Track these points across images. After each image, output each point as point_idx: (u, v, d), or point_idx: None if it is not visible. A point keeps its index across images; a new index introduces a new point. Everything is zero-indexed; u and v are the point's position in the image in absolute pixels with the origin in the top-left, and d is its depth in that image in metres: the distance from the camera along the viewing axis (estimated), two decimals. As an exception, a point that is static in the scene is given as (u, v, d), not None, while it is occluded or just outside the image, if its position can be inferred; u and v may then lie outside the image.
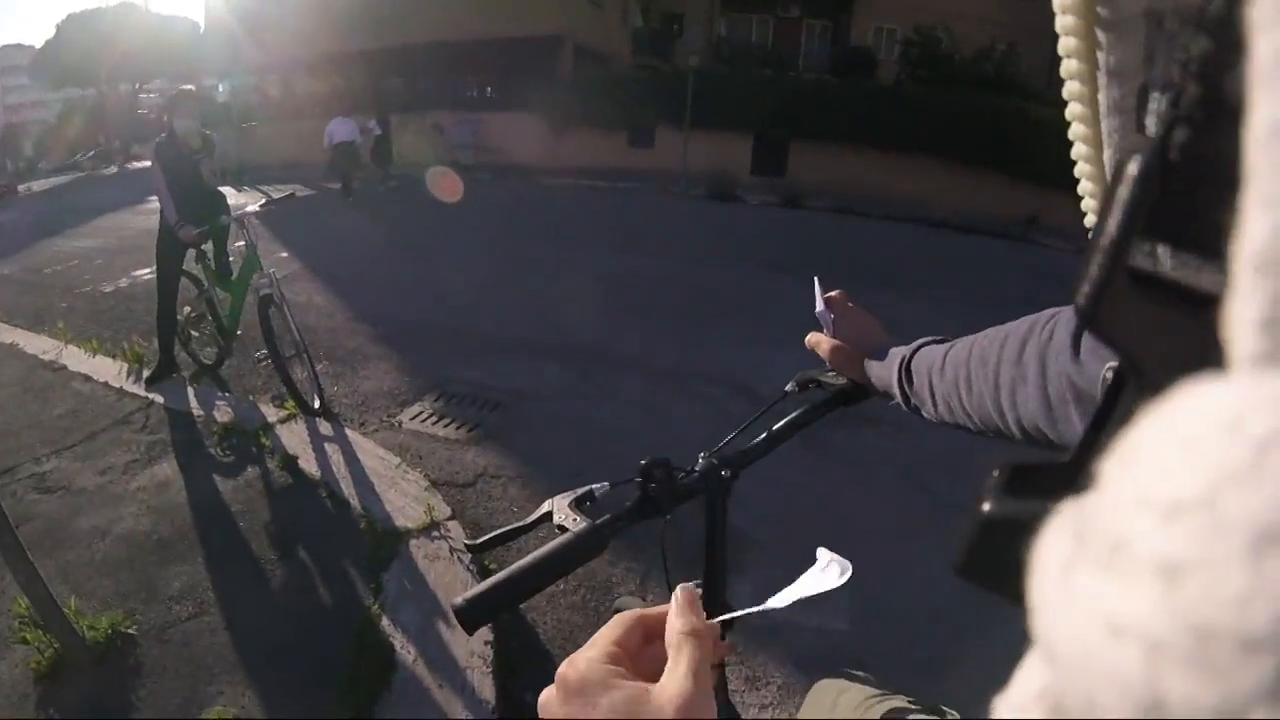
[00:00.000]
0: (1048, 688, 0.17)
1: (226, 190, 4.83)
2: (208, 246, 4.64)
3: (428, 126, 21.13)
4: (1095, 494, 0.15)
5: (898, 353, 0.95)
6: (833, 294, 1.09)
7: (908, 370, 0.92)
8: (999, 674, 0.21)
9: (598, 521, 0.81)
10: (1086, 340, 0.60)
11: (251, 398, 4.63)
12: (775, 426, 1.05)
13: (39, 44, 40.71)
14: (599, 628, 0.52)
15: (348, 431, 4.05)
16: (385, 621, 2.58)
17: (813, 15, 25.93)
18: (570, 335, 5.84)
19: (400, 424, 4.25)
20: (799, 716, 1.13)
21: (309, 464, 3.67)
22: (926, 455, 3.73)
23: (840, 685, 1.06)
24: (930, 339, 0.93)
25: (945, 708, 0.90)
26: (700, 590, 1.14)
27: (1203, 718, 0.11)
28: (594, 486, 0.92)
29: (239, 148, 20.06)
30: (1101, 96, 0.31)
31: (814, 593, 0.59)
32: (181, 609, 2.69)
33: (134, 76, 39.23)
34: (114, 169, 32.48)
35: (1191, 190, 0.20)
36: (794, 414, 1.06)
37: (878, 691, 1.00)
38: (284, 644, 2.52)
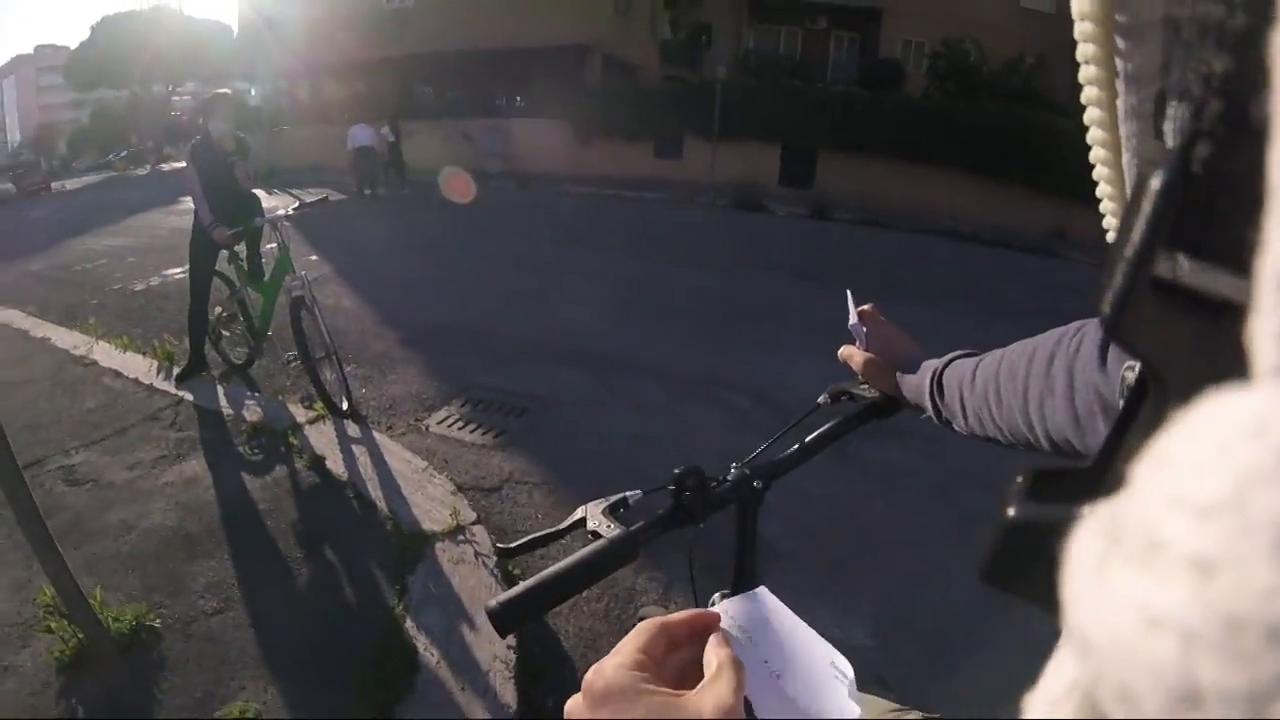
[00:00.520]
0: (1078, 682, 0.18)
1: (258, 193, 4.88)
2: (240, 248, 4.68)
3: (456, 134, 21.30)
4: (1127, 496, 0.16)
5: (930, 366, 0.96)
6: (865, 307, 1.09)
7: (939, 383, 0.92)
8: (1020, 682, 0.21)
9: (631, 528, 0.82)
10: (1113, 351, 0.61)
11: (280, 398, 4.66)
12: (808, 439, 1.04)
13: (73, 45, 41.47)
14: (621, 637, 0.51)
15: (375, 434, 4.06)
16: (409, 623, 2.57)
17: (841, 27, 25.94)
18: (594, 342, 5.85)
19: (427, 428, 4.26)
20: None
21: (336, 465, 3.68)
22: (954, 468, 3.70)
23: (859, 698, 1.06)
24: (962, 352, 0.94)
25: None
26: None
27: (1233, 703, 0.12)
28: (627, 494, 0.92)
29: (269, 151, 20.33)
30: (1119, 102, 0.32)
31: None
32: (206, 604, 2.70)
33: (167, 79, 39.88)
34: (146, 170, 33.07)
35: (1212, 202, 0.20)
36: (826, 426, 1.06)
37: (896, 707, 1.00)
38: (308, 642, 2.52)
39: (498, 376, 5.07)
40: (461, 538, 3.07)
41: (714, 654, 0.51)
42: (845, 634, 2.64)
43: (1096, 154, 0.35)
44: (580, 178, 19.00)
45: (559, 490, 3.56)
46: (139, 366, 5.13)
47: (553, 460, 3.86)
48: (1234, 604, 0.12)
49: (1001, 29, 21.70)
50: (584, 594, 2.74)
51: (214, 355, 5.09)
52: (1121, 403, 0.42)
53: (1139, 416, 0.26)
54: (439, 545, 3.02)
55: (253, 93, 30.06)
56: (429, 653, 2.44)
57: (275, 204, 5.13)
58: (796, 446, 1.03)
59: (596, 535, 0.82)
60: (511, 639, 2.49)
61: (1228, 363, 0.17)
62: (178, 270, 8.34)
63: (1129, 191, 0.33)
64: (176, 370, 4.92)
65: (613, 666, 0.48)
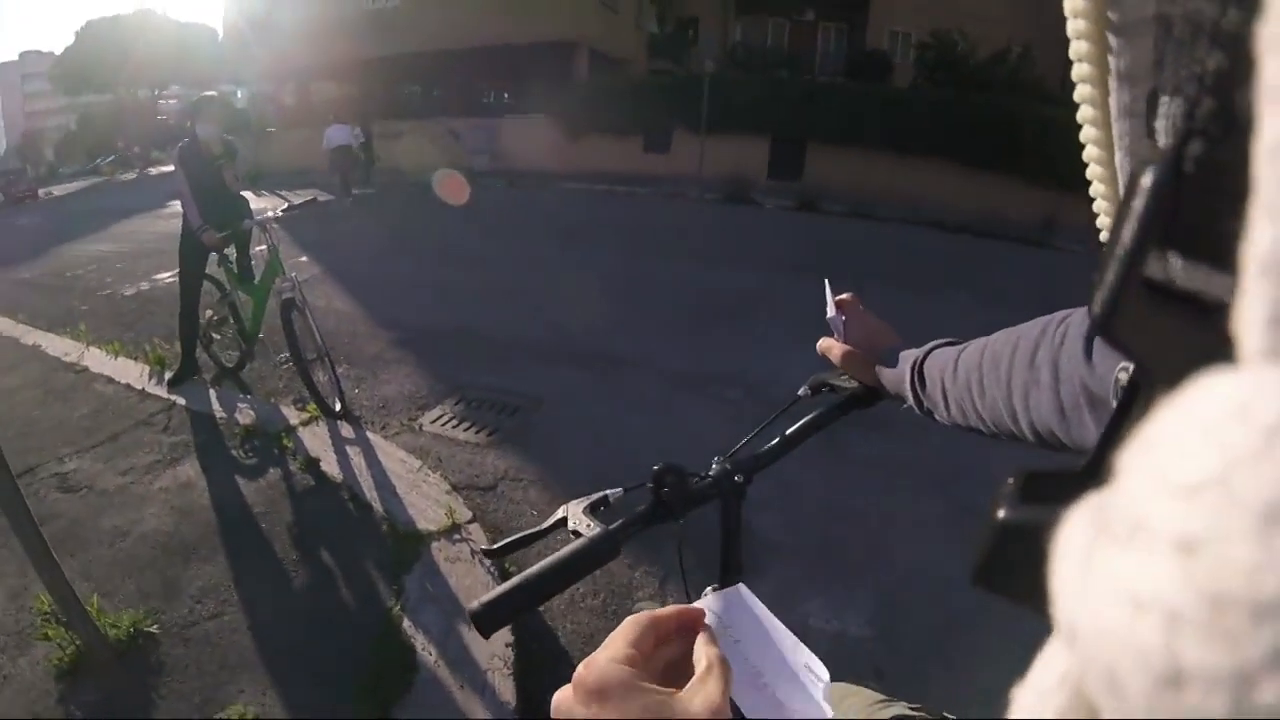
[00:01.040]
0: (1068, 674, 0.18)
1: (247, 195, 4.86)
2: (230, 250, 4.67)
3: (444, 133, 21.26)
4: (1114, 484, 0.16)
5: (909, 356, 0.95)
6: (844, 296, 1.08)
7: (920, 374, 0.92)
8: (1009, 676, 0.21)
9: (611, 527, 0.82)
10: (1098, 343, 0.60)
11: (273, 400, 4.66)
12: (789, 431, 1.04)
13: (59, 50, 41.24)
14: None
15: (369, 434, 4.06)
16: (406, 623, 2.58)
17: (828, 19, 25.99)
18: (586, 339, 5.85)
19: (421, 427, 4.25)
20: None
21: (331, 466, 3.68)
22: (948, 460, 3.71)
23: (846, 689, 1.08)
24: (942, 341, 0.93)
25: (948, 715, 0.90)
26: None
27: (1217, 685, 0.12)
28: (608, 492, 0.92)
29: (256, 154, 20.25)
30: (1112, 100, 0.32)
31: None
32: (203, 608, 2.70)
33: (153, 83, 39.72)
34: (133, 174, 32.86)
35: (1204, 201, 0.20)
36: (807, 418, 1.05)
37: (883, 697, 1.01)
38: (305, 644, 2.52)
39: (490, 375, 5.06)
40: (457, 536, 3.07)
41: (703, 652, 0.51)
42: (842, 626, 2.66)
43: (1090, 153, 0.36)
44: (569, 174, 18.96)
45: (554, 487, 3.56)
46: (130, 372, 5.12)
47: (547, 457, 3.87)
48: (1218, 582, 0.13)
49: (988, 18, 21.76)
50: (579, 589, 2.76)
51: (205, 359, 5.08)
52: (1114, 402, 0.42)
53: (1131, 416, 0.27)
54: (435, 544, 3.02)
55: (239, 95, 29.95)
56: (427, 652, 2.45)
57: (264, 206, 5.12)
58: (778, 439, 1.03)
59: (577, 534, 0.83)
60: (509, 636, 2.50)
61: (1219, 361, 0.17)
62: (167, 274, 8.31)
63: (1122, 190, 0.34)
64: (168, 375, 4.90)
65: (604, 661, 0.48)
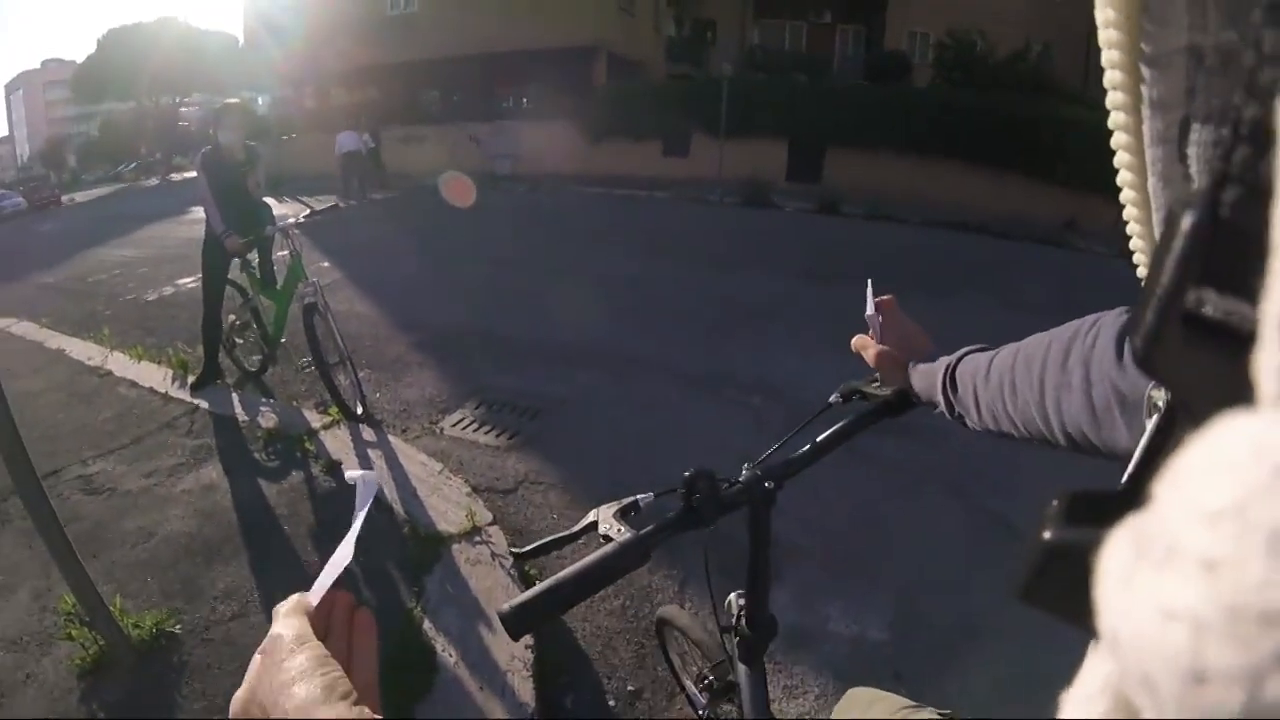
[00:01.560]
0: (1110, 679, 0.21)
1: (269, 201, 4.90)
2: (252, 255, 4.71)
3: (464, 138, 21.39)
4: (1150, 510, 0.18)
5: (942, 361, 0.95)
6: (884, 298, 1.08)
7: (952, 378, 0.91)
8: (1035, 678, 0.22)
9: (642, 532, 0.82)
10: (1129, 345, 0.59)
11: (295, 404, 4.69)
12: (819, 438, 1.04)
13: (80, 59, 41.79)
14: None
15: (390, 438, 4.08)
16: (427, 624, 2.58)
17: (846, 20, 25.92)
18: (605, 342, 5.86)
19: (442, 431, 4.27)
20: (832, 718, 1.16)
21: (352, 469, 3.68)
22: (971, 466, 3.68)
23: (873, 694, 1.09)
24: (975, 347, 0.93)
25: None
26: (744, 600, 1.13)
27: (1235, 680, 0.14)
28: (639, 497, 0.92)
29: (277, 160, 20.43)
30: (1145, 127, 0.33)
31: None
32: (225, 609, 2.72)
33: (174, 90, 40.10)
34: (155, 180, 33.19)
35: (1240, 241, 0.21)
36: (838, 425, 1.05)
37: (910, 703, 1.02)
38: (327, 646, 2.53)
39: (510, 378, 5.08)
40: (478, 539, 3.08)
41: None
42: (861, 629, 2.64)
43: (1124, 177, 0.37)
44: (589, 178, 19.00)
45: (574, 490, 3.56)
46: (153, 375, 5.16)
47: (567, 461, 3.87)
48: (1235, 595, 0.14)
49: (1007, 18, 21.61)
50: (600, 593, 2.75)
51: (228, 363, 5.13)
52: (1147, 420, 0.43)
53: (1168, 444, 0.29)
54: (455, 546, 3.02)
55: (260, 102, 30.22)
56: (447, 653, 2.45)
57: (286, 212, 5.16)
58: (808, 446, 1.03)
59: (608, 539, 0.83)
60: (529, 639, 2.50)
61: (1250, 390, 0.18)
62: (190, 279, 8.39)
63: (1154, 216, 0.36)
64: (191, 378, 4.94)
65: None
